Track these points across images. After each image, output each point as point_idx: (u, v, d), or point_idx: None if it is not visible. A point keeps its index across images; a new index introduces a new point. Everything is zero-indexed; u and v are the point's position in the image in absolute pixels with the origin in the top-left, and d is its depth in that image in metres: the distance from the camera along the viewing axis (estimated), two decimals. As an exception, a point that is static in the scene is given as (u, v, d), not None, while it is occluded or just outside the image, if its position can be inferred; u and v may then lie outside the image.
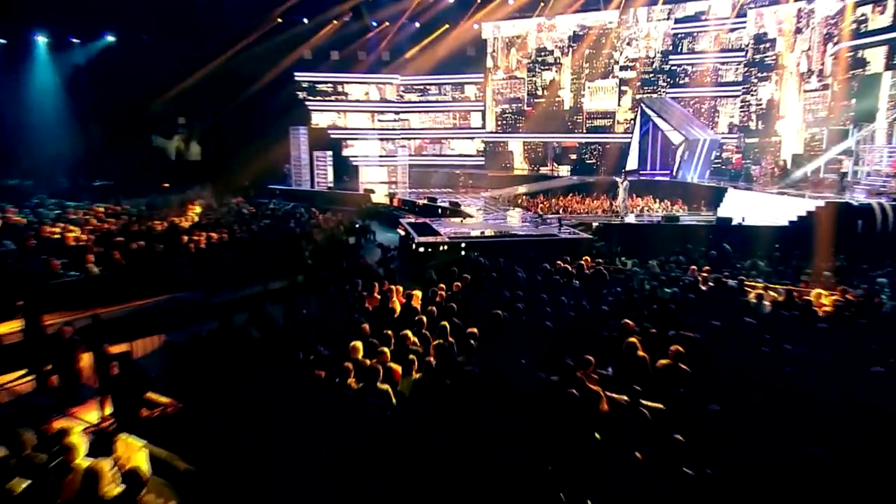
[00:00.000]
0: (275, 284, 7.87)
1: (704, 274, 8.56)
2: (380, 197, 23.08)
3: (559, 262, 8.24)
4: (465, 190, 25.75)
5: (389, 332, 5.57)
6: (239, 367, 4.68)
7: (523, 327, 5.28)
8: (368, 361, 5.04)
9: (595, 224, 13.57)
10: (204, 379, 4.55)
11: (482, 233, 11.18)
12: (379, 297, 6.83)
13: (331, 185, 25.29)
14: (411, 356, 5.20)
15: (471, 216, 14.11)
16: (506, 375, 4.12)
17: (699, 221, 14.35)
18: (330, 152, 26.72)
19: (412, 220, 12.99)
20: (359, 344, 5.39)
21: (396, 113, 32.15)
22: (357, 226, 14.60)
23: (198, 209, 14.97)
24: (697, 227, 13.58)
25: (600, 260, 9.11)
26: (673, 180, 23.64)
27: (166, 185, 22.17)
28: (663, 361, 4.81)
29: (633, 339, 5.22)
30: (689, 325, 5.76)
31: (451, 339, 5.33)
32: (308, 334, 5.64)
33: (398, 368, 5.07)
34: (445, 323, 5.55)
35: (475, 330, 5.28)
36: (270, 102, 26.25)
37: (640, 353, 4.98)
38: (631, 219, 14.12)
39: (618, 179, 13.56)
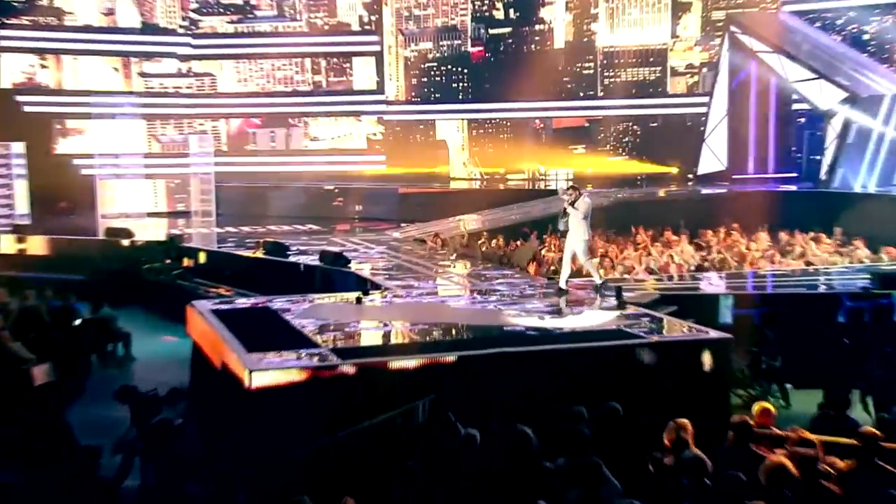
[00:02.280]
0: None
1: None
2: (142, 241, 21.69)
3: (666, 435, 6.86)
4: (350, 225, 25.53)
5: None
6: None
7: None
8: None
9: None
10: None
11: (431, 336, 9.93)
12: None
13: (22, 220, 24.41)
14: None
15: (377, 288, 13.41)
16: None
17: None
18: (19, 145, 25.09)
19: (226, 308, 11.67)
20: None
21: (183, 59, 30.85)
22: (79, 321, 14.09)
23: None
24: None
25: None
26: (813, 190, 23.95)
27: None
28: None
29: None
30: None
31: None
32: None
33: None
34: None
35: None
36: None
37: None
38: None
39: (564, 198, 12.27)
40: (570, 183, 12.99)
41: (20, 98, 28.93)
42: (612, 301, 11.55)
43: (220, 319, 10.27)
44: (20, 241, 21.82)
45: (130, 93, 30.59)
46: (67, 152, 29.45)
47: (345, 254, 16.48)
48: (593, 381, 8.62)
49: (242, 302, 12.68)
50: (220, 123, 32.00)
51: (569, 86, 30.16)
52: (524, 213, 23.62)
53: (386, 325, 10.51)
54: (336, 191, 28.14)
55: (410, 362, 8.57)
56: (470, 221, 23.84)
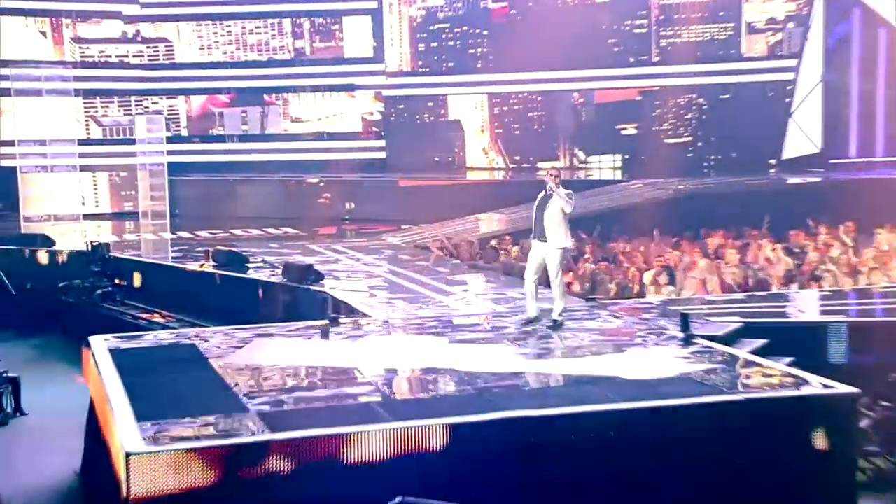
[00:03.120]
0: None
1: None
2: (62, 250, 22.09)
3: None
4: (336, 228, 25.83)
5: None
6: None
7: None
8: None
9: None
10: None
11: (419, 390, 9.28)
12: None
13: None
14: None
15: (353, 314, 12.79)
16: None
17: None
18: None
19: (134, 346, 11.10)
20: None
21: (128, 21, 31.63)
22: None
23: None
24: None
25: None
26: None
27: None
28: None
29: None
30: None
31: None
32: None
33: None
34: None
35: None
36: None
37: None
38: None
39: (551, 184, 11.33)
40: (553, 170, 11.75)
41: None
42: (669, 333, 10.72)
43: (115, 365, 9.47)
44: None
45: (61, 63, 30.01)
46: None
47: (316, 267, 16.17)
48: (638, 464, 7.63)
49: (164, 337, 12.07)
50: (178, 101, 31.70)
51: (616, 49, 29.37)
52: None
53: (356, 373, 9.18)
54: (321, 184, 28.27)
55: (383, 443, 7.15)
56: (490, 221, 23.91)
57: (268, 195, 28.95)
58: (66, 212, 27.16)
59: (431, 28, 30.41)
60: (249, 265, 17.49)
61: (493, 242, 20.19)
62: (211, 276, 17.65)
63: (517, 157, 30.38)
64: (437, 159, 30.81)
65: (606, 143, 29.23)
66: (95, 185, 29.00)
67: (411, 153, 29.97)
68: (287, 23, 31.06)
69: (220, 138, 31.46)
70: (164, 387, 8.91)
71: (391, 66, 30.39)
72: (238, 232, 25.06)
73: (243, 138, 31.02)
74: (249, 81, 31.34)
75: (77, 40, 30.65)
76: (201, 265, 18.00)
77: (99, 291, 17.96)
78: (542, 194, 10.87)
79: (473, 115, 30.59)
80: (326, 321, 11.56)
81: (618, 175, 28.67)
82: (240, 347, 10.34)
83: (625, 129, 29.50)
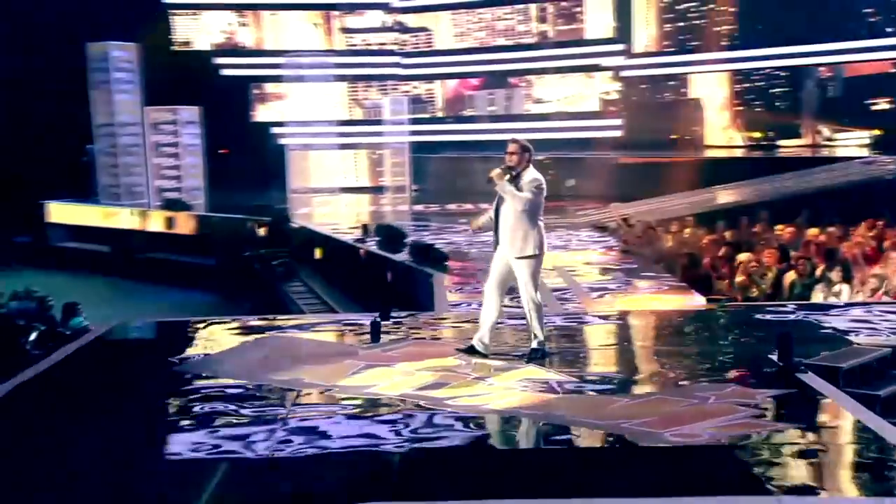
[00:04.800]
0: None
1: None
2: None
3: None
4: (563, 204, 23.03)
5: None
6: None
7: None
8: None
9: None
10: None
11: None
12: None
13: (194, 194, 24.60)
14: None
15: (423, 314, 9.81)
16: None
17: None
18: (193, 111, 25.12)
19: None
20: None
21: (388, 12, 31.83)
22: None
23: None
24: None
25: None
26: None
27: None
28: None
29: None
30: None
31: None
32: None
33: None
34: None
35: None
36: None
37: None
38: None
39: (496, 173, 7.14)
40: (515, 142, 7.09)
41: (221, 63, 30.28)
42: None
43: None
44: (168, 219, 22.79)
45: (330, 51, 31.02)
46: (265, 120, 30.70)
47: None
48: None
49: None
50: (435, 85, 31.98)
51: (871, 19, 26.33)
52: (781, 188, 20.94)
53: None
54: (547, 161, 26.82)
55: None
56: (699, 201, 21.31)
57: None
58: (326, 185, 27.99)
59: (678, 7, 29.00)
60: (405, 241, 15.32)
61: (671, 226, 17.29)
62: (356, 252, 16.23)
63: (756, 135, 28.07)
64: (674, 137, 29.03)
65: (854, 119, 26.39)
66: (356, 161, 29.82)
67: (649, 132, 28.60)
68: (533, 8, 30.66)
69: (469, 119, 31.39)
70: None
71: (638, 47, 29.20)
72: (467, 206, 23.86)
73: (490, 119, 30.76)
74: (497, 66, 31.01)
75: (344, 30, 31.57)
76: (363, 236, 16.57)
77: (276, 262, 17.13)
78: (496, 177, 7.06)
79: (714, 93, 28.79)
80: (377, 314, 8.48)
81: (864, 153, 25.44)
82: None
83: (876, 103, 26.39)
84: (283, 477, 4.92)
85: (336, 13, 31.64)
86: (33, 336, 9.93)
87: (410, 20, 32.08)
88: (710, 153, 27.88)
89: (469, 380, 6.63)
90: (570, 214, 22.11)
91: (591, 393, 6.36)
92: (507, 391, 6.38)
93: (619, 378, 6.86)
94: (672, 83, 29.45)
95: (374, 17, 32.27)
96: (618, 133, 28.96)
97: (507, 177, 6.93)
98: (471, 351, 7.18)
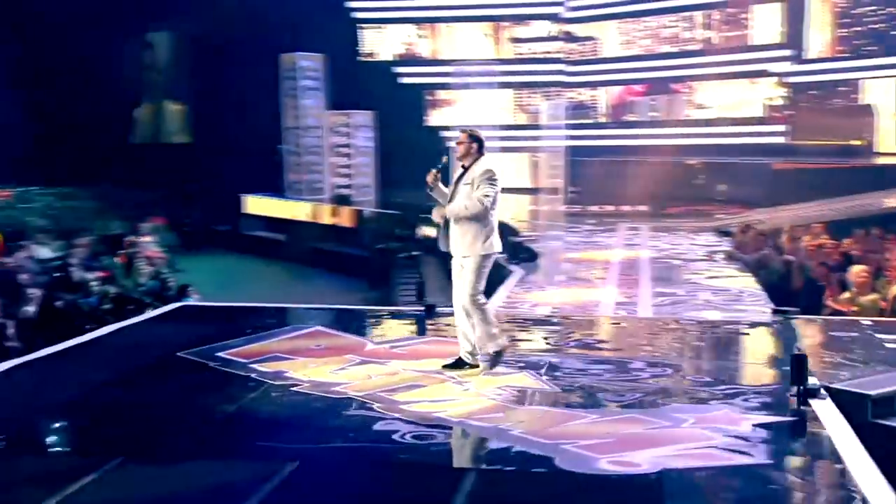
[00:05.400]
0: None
1: None
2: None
3: None
4: (685, 208, 24.06)
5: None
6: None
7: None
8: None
9: None
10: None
11: None
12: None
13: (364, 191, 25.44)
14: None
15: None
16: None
17: None
18: (366, 115, 25.94)
19: None
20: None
21: (555, 20, 31.92)
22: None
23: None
24: None
25: None
26: None
27: None
28: None
29: None
30: None
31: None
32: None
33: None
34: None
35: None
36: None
37: None
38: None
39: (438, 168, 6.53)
40: (463, 132, 6.50)
41: (400, 72, 31.78)
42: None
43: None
44: (334, 212, 24.18)
45: (498, 60, 31.46)
46: (437, 124, 31.65)
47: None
48: None
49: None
50: (599, 92, 32.15)
51: None
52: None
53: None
54: (699, 167, 26.92)
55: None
56: (846, 206, 20.56)
57: (649, 175, 27.38)
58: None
59: (854, 12, 27.80)
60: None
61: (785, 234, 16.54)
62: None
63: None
64: (843, 144, 27.98)
65: None
66: (517, 164, 30.10)
67: (816, 138, 27.57)
68: (699, 15, 30.20)
69: (629, 124, 31.39)
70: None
71: (812, 52, 28.28)
72: (625, 208, 25.04)
73: (651, 124, 30.60)
74: (661, 72, 30.79)
75: (513, 40, 32.47)
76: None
77: (403, 254, 17.26)
78: (438, 177, 6.39)
79: (888, 99, 27.40)
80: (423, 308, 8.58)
81: None
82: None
83: None
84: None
85: (505, 24, 32.55)
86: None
87: (579, 30, 32.46)
88: (881, 160, 26.74)
89: (446, 383, 6.41)
90: (707, 218, 21.96)
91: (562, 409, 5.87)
92: (478, 398, 6.07)
93: (615, 389, 6.33)
94: (843, 89, 28.20)
95: (541, 28, 32.88)
96: (781, 139, 28.14)
97: (437, 175, 6.36)
98: (458, 365, 6.62)
